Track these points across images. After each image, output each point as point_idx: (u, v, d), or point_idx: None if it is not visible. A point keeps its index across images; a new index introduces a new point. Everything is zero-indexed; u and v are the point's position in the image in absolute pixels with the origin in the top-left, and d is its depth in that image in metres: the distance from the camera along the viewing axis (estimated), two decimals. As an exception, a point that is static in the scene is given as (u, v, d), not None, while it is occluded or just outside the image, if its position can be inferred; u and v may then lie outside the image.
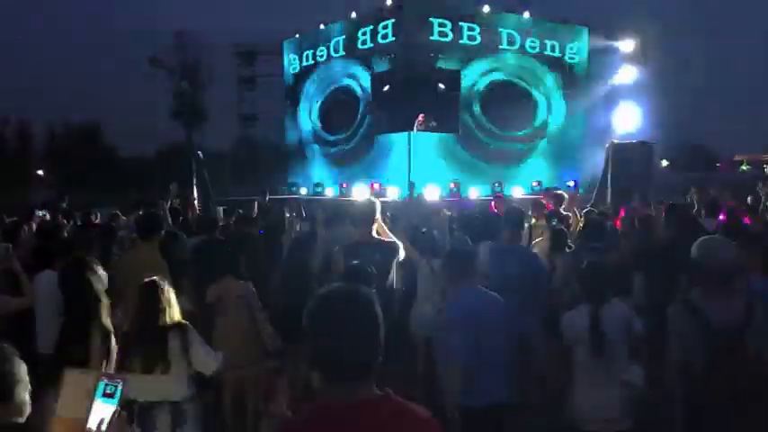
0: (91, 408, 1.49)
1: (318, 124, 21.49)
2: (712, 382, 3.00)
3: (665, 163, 43.34)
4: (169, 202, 8.14)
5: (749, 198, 8.69)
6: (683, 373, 3.13)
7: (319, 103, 21.37)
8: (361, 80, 20.02)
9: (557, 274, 5.44)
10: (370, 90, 19.48)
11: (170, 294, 3.58)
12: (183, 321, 3.58)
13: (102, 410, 1.50)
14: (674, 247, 4.89)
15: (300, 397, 4.06)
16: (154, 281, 3.56)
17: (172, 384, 3.42)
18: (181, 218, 8.32)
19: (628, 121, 17.70)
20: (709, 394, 3.02)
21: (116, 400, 1.52)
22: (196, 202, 13.89)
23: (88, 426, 1.47)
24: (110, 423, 1.49)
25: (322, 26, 21.25)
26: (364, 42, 19.60)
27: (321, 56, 21.22)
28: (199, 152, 16.33)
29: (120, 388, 1.53)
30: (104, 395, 1.51)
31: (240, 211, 8.72)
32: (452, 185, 17.29)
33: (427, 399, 3.98)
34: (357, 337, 1.65)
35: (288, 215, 8.28)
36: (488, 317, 3.69)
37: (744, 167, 49.70)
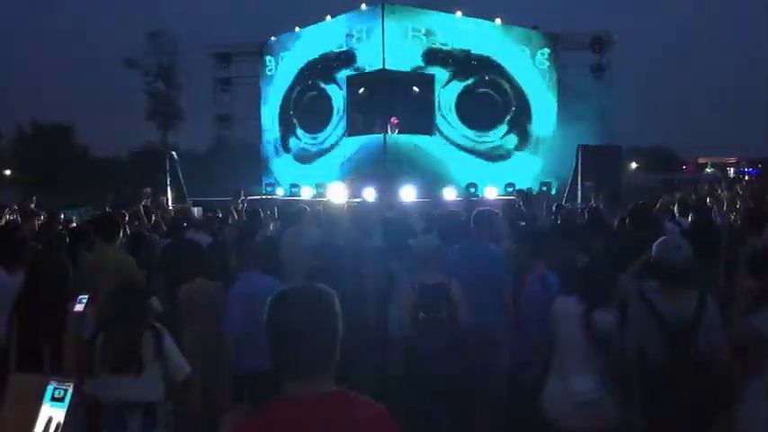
0: (38, 411, 1.43)
1: (291, 126, 21.46)
2: (667, 375, 3.16)
3: (634, 165, 44.13)
4: (143, 203, 8.13)
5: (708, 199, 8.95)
6: (640, 365, 3.29)
7: (293, 104, 21.33)
8: (336, 82, 20.03)
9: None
10: (344, 92, 19.52)
11: (141, 295, 3.58)
12: (156, 323, 3.57)
13: (51, 414, 1.45)
14: (640, 246, 5.02)
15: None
16: (126, 282, 3.56)
17: (144, 386, 3.38)
18: (153, 218, 8.30)
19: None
20: (663, 385, 3.17)
21: (65, 404, 1.47)
22: (170, 202, 13.89)
23: (35, 430, 1.42)
24: (58, 427, 1.44)
25: (297, 29, 21.24)
26: (340, 45, 19.62)
27: (296, 57, 21.18)
28: (173, 152, 16.30)
29: (69, 391, 1.48)
30: (53, 399, 1.47)
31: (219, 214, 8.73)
32: (427, 187, 17.38)
33: (404, 400, 4.06)
34: (315, 333, 1.68)
35: (262, 215, 8.27)
36: None
37: (708, 170, 50.99)
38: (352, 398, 1.74)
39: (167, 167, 15.31)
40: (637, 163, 47.37)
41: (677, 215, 7.25)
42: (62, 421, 1.46)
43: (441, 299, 4.09)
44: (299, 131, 21.25)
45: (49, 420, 1.45)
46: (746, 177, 38.78)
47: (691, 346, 3.17)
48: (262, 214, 8.27)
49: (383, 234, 6.34)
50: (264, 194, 18.38)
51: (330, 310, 1.72)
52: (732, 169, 49.80)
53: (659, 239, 3.51)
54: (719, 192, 8.77)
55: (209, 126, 25.28)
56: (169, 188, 14.92)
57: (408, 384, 4.19)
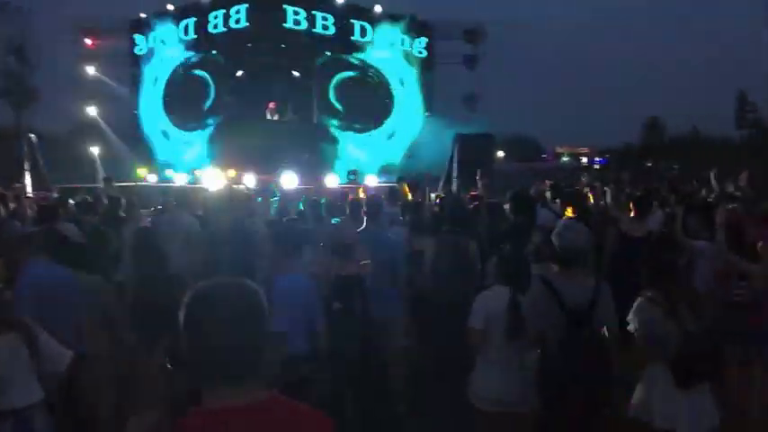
0: None
1: (165, 109, 20.48)
2: (564, 353, 3.37)
3: (501, 153, 46.55)
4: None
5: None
6: (540, 344, 3.48)
7: (166, 86, 20.34)
8: (213, 65, 19.35)
9: (425, 257, 5.61)
10: (221, 75, 18.92)
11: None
12: (22, 317, 3.17)
13: None
14: (519, 230, 5.39)
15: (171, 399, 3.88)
16: None
17: (13, 389, 2.97)
18: (12, 206, 7.71)
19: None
20: (562, 362, 3.36)
21: None
22: (29, 188, 12.77)
23: None
24: None
25: (170, 6, 20.18)
26: (216, 26, 18.94)
27: (169, 38, 20.18)
28: (32, 135, 14.91)
29: None
30: None
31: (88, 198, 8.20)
32: (307, 173, 17.30)
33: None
34: (243, 333, 1.52)
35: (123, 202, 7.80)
36: None
37: (565, 158, 55.20)
38: (285, 404, 1.60)
39: (24, 151, 14.04)
40: (502, 151, 50.00)
41: (549, 201, 7.81)
42: None
43: (356, 290, 4.09)
44: (174, 115, 20.33)
45: None
46: (596, 167, 42.37)
47: (587, 325, 3.38)
48: (123, 201, 7.79)
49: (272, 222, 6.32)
50: (137, 180, 17.45)
51: (257, 306, 1.57)
52: (585, 159, 54.15)
53: (560, 225, 3.72)
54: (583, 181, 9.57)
55: (70, 107, 23.38)
56: (29, 174, 13.71)
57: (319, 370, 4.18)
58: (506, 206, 6.39)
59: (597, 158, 51.70)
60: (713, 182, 8.94)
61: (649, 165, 35.84)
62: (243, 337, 1.53)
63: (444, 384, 4.46)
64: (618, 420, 3.65)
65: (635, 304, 3.54)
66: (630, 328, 3.53)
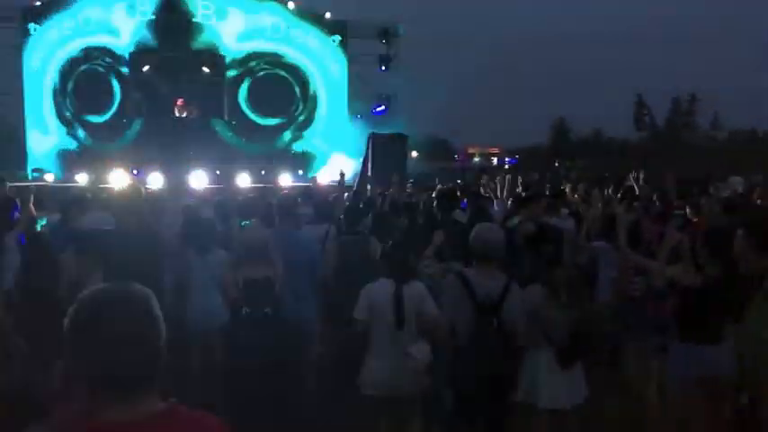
0: None
1: (65, 104, 19.31)
2: (474, 344, 3.57)
3: (415, 154, 47.24)
4: None
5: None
6: (451, 336, 3.69)
7: (62, 79, 19.16)
8: (116, 58, 18.44)
9: (325, 259, 5.69)
10: (127, 70, 18.07)
11: None
12: None
13: None
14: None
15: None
16: None
17: None
18: None
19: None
20: (473, 353, 3.56)
21: None
22: None
23: None
24: None
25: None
26: (119, 19, 18.07)
27: (68, 27, 19.02)
28: None
29: None
30: None
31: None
32: (218, 172, 16.89)
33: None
34: (134, 343, 1.43)
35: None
36: None
37: (476, 158, 56.80)
38: (182, 414, 1.51)
39: None
40: (415, 151, 50.79)
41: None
42: None
43: (267, 293, 4.01)
44: (73, 112, 19.20)
45: None
46: (506, 166, 43.89)
47: (494, 318, 3.62)
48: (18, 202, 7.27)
49: (183, 223, 6.09)
50: (31, 180, 16.38)
51: (150, 312, 1.47)
52: (495, 159, 55.92)
53: (477, 224, 4.00)
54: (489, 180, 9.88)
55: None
56: None
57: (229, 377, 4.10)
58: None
59: (507, 158, 53.54)
60: (633, 183, 9.33)
61: (557, 164, 37.49)
62: (133, 348, 1.43)
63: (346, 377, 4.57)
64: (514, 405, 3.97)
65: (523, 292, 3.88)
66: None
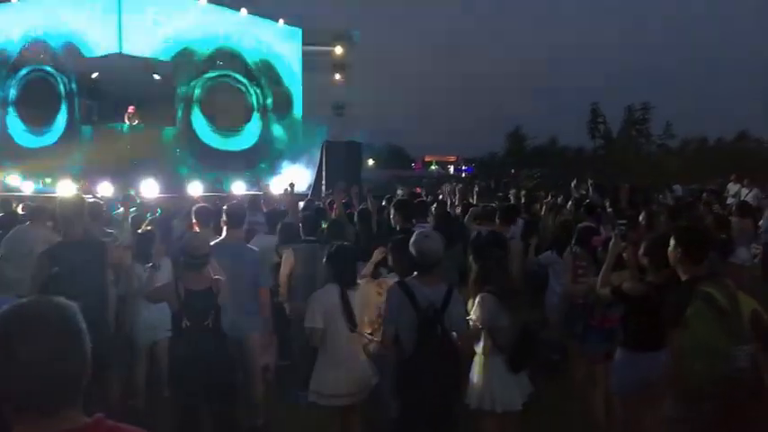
0: None
1: (7, 110, 18.66)
2: (419, 352, 3.57)
3: (371, 162, 47.42)
4: None
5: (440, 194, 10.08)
6: (397, 344, 3.69)
7: (10, 86, 18.54)
8: (61, 64, 17.88)
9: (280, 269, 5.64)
10: (75, 77, 17.55)
11: None
12: None
13: None
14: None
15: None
16: None
17: None
18: None
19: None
20: (417, 361, 3.58)
21: None
22: None
23: None
24: None
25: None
26: (66, 22, 17.52)
27: (16, 33, 18.41)
28: None
29: None
30: None
31: None
32: (170, 182, 16.50)
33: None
34: (50, 360, 1.38)
35: None
36: None
37: (433, 167, 57.24)
38: (108, 429, 1.47)
39: None
40: (372, 160, 50.95)
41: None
42: None
43: (208, 306, 3.92)
44: (16, 119, 18.56)
45: None
46: (463, 175, 44.35)
47: (437, 327, 3.61)
48: None
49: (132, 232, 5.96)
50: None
51: (68, 327, 1.42)
52: (452, 167, 56.49)
53: (416, 233, 3.97)
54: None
55: None
56: None
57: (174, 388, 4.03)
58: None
59: (464, 167, 54.12)
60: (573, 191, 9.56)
61: (513, 171, 38.01)
62: (49, 365, 1.39)
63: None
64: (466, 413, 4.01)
65: (476, 299, 3.94)
66: (472, 318, 3.91)
